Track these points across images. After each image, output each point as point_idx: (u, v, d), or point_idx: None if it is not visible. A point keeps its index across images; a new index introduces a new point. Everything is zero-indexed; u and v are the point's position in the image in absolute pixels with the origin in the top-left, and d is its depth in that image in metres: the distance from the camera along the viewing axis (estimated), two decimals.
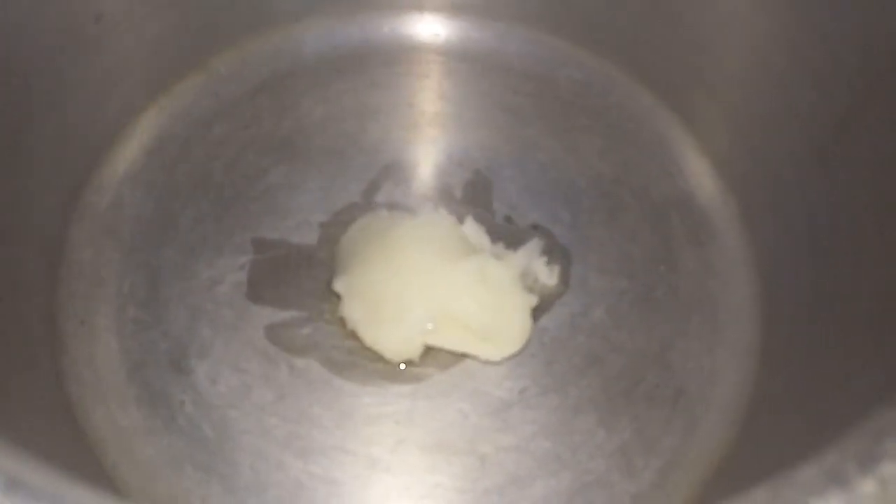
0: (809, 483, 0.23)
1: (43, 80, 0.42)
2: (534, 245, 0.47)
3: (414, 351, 0.44)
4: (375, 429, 0.43)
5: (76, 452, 0.40)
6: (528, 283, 0.46)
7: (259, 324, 0.46)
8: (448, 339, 0.44)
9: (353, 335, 0.45)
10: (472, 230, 0.46)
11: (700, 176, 0.51)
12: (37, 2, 0.40)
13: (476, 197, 0.50)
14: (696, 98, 0.51)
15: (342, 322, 0.45)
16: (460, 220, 0.47)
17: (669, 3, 0.49)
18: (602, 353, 0.45)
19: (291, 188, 0.50)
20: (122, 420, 0.42)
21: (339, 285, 0.46)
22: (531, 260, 0.46)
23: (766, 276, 0.46)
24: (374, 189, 0.50)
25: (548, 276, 0.46)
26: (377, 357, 0.45)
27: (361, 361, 0.45)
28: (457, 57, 0.55)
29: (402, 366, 0.44)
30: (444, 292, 0.43)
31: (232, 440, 0.42)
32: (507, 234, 0.48)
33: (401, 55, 0.55)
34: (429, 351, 0.44)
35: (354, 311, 0.45)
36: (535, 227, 0.49)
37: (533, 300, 0.45)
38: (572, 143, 0.52)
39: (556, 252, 0.48)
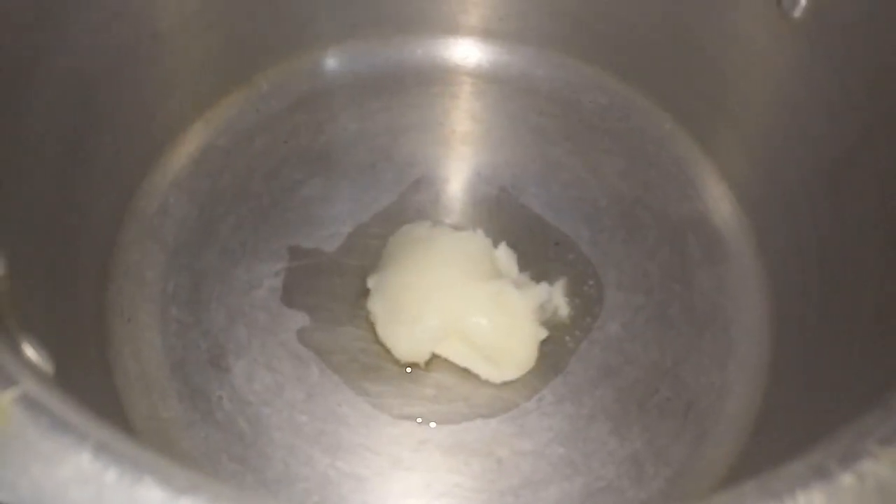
0: (795, 476, 0.25)
1: (102, 95, 0.46)
2: (558, 286, 0.49)
3: (420, 356, 0.46)
4: (399, 429, 0.45)
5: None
6: (543, 316, 0.47)
7: (292, 327, 0.48)
8: (454, 352, 0.46)
9: (380, 341, 0.47)
10: (504, 255, 0.48)
11: (717, 198, 0.53)
12: (99, 21, 0.44)
13: (501, 212, 0.53)
14: (715, 124, 0.53)
15: (370, 324, 0.48)
16: (496, 243, 0.49)
17: (692, 34, 0.51)
18: (617, 366, 0.47)
19: (326, 199, 0.53)
20: (164, 412, 0.45)
21: (370, 281, 0.48)
22: (551, 296, 0.48)
23: (777, 295, 0.48)
24: (405, 202, 0.53)
25: (566, 315, 0.48)
26: (403, 362, 0.47)
27: (387, 365, 0.47)
28: (487, 79, 0.58)
29: (408, 369, 0.47)
30: (460, 308, 0.45)
31: (265, 435, 0.45)
32: (529, 251, 0.51)
33: (433, 76, 0.58)
34: (436, 359, 0.47)
35: (376, 306, 0.47)
36: (557, 244, 0.52)
37: (543, 333, 0.47)
38: (595, 163, 0.55)
39: (579, 265, 0.50)
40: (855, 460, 0.26)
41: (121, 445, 0.24)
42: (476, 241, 0.48)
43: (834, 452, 0.26)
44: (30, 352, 0.31)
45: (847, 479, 0.25)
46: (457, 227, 0.50)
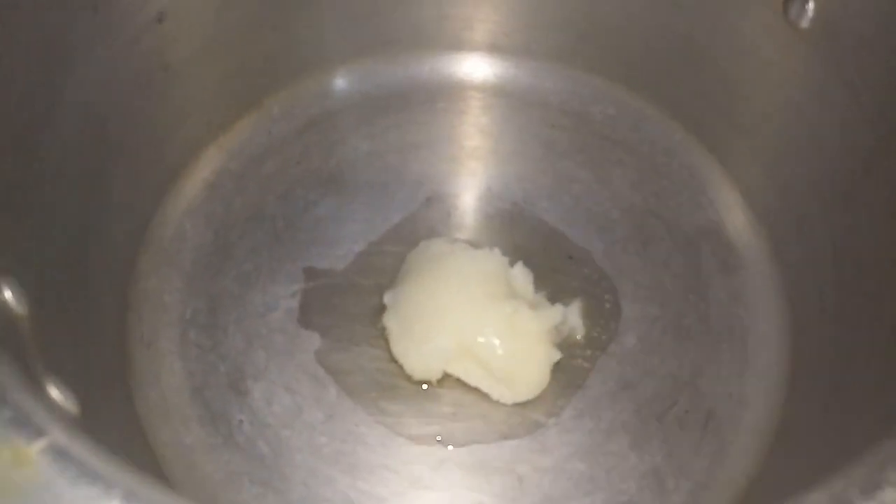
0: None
1: (116, 127, 0.46)
2: (574, 307, 0.49)
3: (432, 374, 0.47)
4: (418, 448, 0.46)
5: (146, 469, 0.43)
6: (557, 337, 0.47)
7: (309, 348, 0.49)
8: (466, 372, 0.46)
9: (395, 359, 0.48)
10: (520, 275, 0.48)
11: (730, 208, 0.53)
12: (111, 57, 0.44)
13: (514, 227, 0.53)
14: (726, 133, 0.53)
15: (386, 343, 0.48)
16: (510, 259, 0.49)
17: (700, 45, 0.51)
18: (634, 379, 0.47)
19: (339, 220, 0.53)
20: (186, 437, 0.46)
21: (387, 297, 0.49)
22: (566, 318, 0.48)
23: (794, 305, 0.48)
24: (417, 220, 0.53)
25: (582, 336, 0.48)
26: (420, 381, 0.47)
27: (404, 384, 0.48)
28: (494, 93, 0.58)
29: (424, 386, 0.47)
30: (473, 328, 0.45)
31: (285, 457, 0.45)
32: (543, 265, 0.51)
33: (441, 93, 0.58)
34: (448, 377, 0.47)
35: (391, 322, 0.47)
36: (571, 258, 0.52)
37: (556, 355, 0.46)
38: (606, 175, 0.55)
39: (593, 279, 0.50)
40: (877, 489, 0.26)
41: (149, 493, 0.25)
42: (492, 259, 0.48)
43: (855, 481, 0.26)
44: (54, 393, 0.32)
45: None
46: (473, 245, 0.50)
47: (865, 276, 0.42)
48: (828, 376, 0.43)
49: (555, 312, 0.47)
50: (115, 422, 0.43)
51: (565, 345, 0.48)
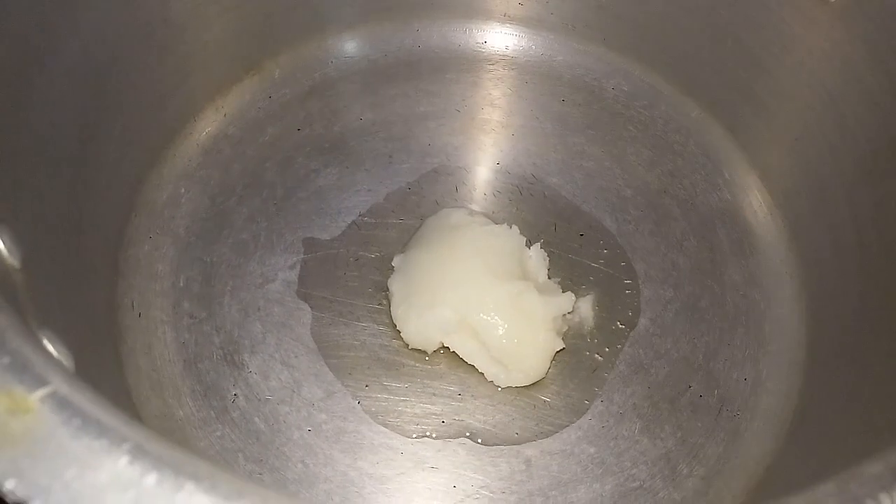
0: (877, 477, 0.24)
1: (112, 81, 0.44)
2: (587, 299, 0.47)
3: (428, 344, 0.45)
4: (422, 427, 0.44)
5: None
6: (563, 327, 0.45)
7: (308, 321, 0.47)
8: (463, 347, 0.45)
9: (400, 336, 0.46)
10: (536, 256, 0.46)
11: (746, 188, 0.51)
12: (111, 7, 0.42)
13: (523, 203, 0.51)
14: (745, 112, 0.51)
15: (390, 319, 0.46)
16: (530, 242, 0.47)
17: (721, 19, 0.50)
18: (646, 362, 0.46)
19: (341, 190, 0.51)
20: (178, 411, 0.43)
21: (396, 259, 0.47)
22: (577, 308, 0.46)
23: (812, 289, 0.47)
24: (422, 192, 0.51)
25: (591, 327, 0.46)
26: (423, 358, 0.46)
27: (408, 361, 0.46)
28: (506, 65, 0.56)
29: (426, 357, 0.45)
30: (476, 303, 0.44)
31: (283, 434, 0.43)
32: (553, 242, 0.49)
33: (451, 62, 0.56)
34: (446, 350, 0.45)
35: (396, 285, 0.46)
36: (582, 235, 0.50)
37: (559, 344, 0.45)
38: (619, 152, 0.53)
39: (605, 258, 0.49)
40: None
41: (159, 449, 0.23)
42: (509, 236, 0.46)
43: (875, 474, 0.24)
44: (50, 347, 0.29)
45: None
46: (494, 219, 0.49)
47: (892, 259, 0.40)
48: (849, 362, 0.42)
49: (564, 300, 0.45)
50: (104, 392, 0.40)
51: (575, 333, 0.46)
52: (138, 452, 0.23)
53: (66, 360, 0.30)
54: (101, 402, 0.24)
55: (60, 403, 0.23)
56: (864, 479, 0.24)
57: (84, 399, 0.23)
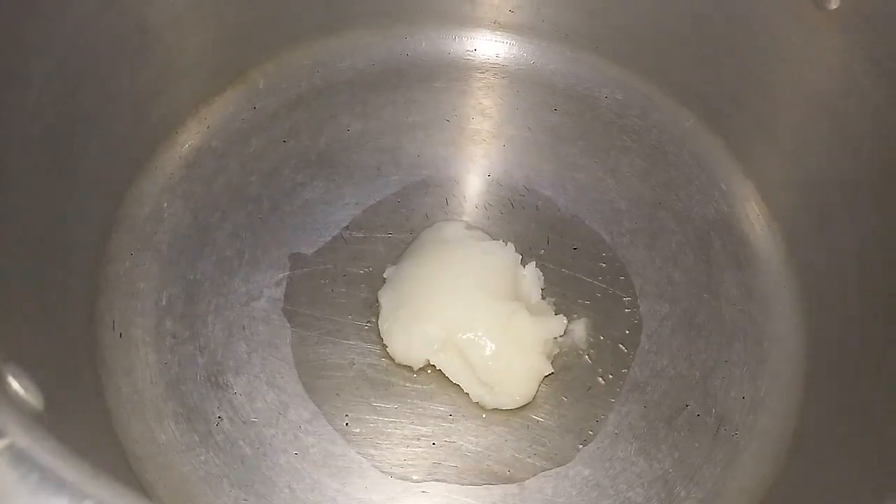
0: None
1: (90, 94, 0.42)
2: (580, 322, 0.45)
3: (414, 360, 0.44)
4: (412, 450, 0.43)
5: (117, 468, 0.39)
6: (554, 350, 0.44)
7: (295, 340, 0.45)
8: (449, 366, 0.43)
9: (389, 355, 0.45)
10: (530, 276, 0.45)
11: (743, 199, 0.50)
12: (87, 15, 0.40)
13: (514, 216, 0.50)
14: (741, 122, 0.50)
15: (378, 338, 0.45)
16: (525, 260, 0.46)
17: (716, 26, 0.49)
18: (642, 380, 0.45)
19: (328, 203, 0.50)
20: (160, 435, 0.42)
21: (388, 271, 0.46)
22: (570, 331, 0.45)
23: (811, 302, 0.46)
24: (412, 205, 0.50)
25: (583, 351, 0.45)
26: (414, 378, 0.44)
27: (398, 381, 0.45)
28: (497, 74, 0.55)
29: (415, 374, 0.44)
30: (464, 321, 0.42)
31: (269, 458, 0.42)
32: (545, 256, 0.48)
33: (440, 71, 0.55)
34: (434, 367, 0.44)
35: (385, 297, 0.45)
36: (575, 249, 0.49)
37: (547, 368, 0.43)
38: (613, 163, 0.52)
39: (599, 273, 0.48)
40: None
41: (101, 492, 0.21)
42: (503, 254, 0.45)
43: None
44: (16, 385, 0.28)
45: None
46: (491, 235, 0.47)
47: (893, 274, 0.39)
48: (850, 379, 0.41)
49: (556, 323, 0.44)
50: (82, 417, 0.39)
51: (569, 350, 0.45)
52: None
53: (35, 399, 0.28)
54: (62, 453, 0.22)
55: (18, 457, 0.22)
56: None
57: (44, 451, 0.22)
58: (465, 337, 0.42)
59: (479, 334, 0.42)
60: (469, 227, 0.47)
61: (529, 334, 0.43)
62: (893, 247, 0.40)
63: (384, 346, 0.45)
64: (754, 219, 0.49)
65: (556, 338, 0.44)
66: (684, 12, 0.50)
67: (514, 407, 0.43)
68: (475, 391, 0.43)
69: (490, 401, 0.43)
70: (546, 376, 0.44)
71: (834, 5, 0.42)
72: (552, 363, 0.44)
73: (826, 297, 0.45)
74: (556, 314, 0.45)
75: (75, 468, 0.22)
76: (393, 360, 0.44)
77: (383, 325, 0.44)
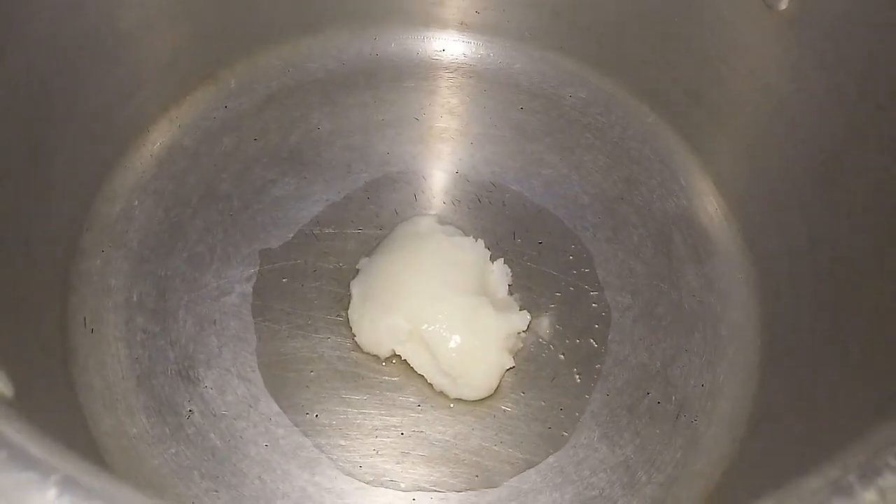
0: (814, 494, 0.24)
1: (62, 91, 0.43)
2: (543, 319, 0.47)
3: (381, 350, 0.45)
4: (381, 440, 0.43)
5: (89, 461, 0.40)
6: (517, 345, 0.45)
7: (266, 335, 0.46)
8: (414, 357, 0.44)
9: (358, 347, 0.46)
10: (497, 272, 0.46)
11: (702, 194, 0.52)
12: (59, 14, 0.41)
13: (482, 211, 0.51)
14: (699, 118, 0.52)
15: (349, 331, 0.46)
16: (494, 256, 0.47)
17: (674, 26, 0.50)
18: (605, 369, 0.46)
19: (298, 200, 0.51)
20: (131, 428, 0.43)
21: (362, 262, 0.47)
22: (535, 328, 0.46)
23: (766, 293, 0.47)
24: (381, 202, 0.51)
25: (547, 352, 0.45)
26: (383, 369, 0.45)
27: (367, 373, 0.45)
28: (464, 73, 0.56)
29: (384, 364, 0.45)
30: (430, 314, 0.43)
31: (239, 450, 0.43)
32: (511, 250, 0.49)
33: (408, 71, 0.56)
34: (399, 357, 0.45)
35: (356, 288, 0.46)
36: (540, 243, 0.50)
37: (509, 362, 0.44)
38: (577, 160, 0.53)
39: (564, 266, 0.49)
40: (875, 475, 0.25)
41: (90, 480, 0.22)
42: (473, 250, 0.46)
43: (851, 466, 0.25)
44: None
45: (870, 496, 0.24)
46: (463, 230, 0.49)
47: (844, 263, 0.41)
48: (803, 366, 0.42)
49: (519, 319, 0.45)
50: (54, 410, 0.40)
51: (534, 341, 0.46)
52: (67, 485, 0.22)
53: (5, 387, 0.29)
54: (31, 432, 0.23)
55: None
56: (803, 493, 0.24)
57: (12, 429, 0.23)
58: (430, 329, 0.43)
59: (444, 327, 0.43)
60: (442, 222, 0.48)
61: (493, 328, 0.44)
62: (841, 240, 0.41)
63: (353, 340, 0.46)
64: (713, 212, 0.51)
65: (519, 333, 0.45)
66: (645, 12, 0.51)
67: (475, 398, 0.44)
68: (438, 383, 0.44)
69: (453, 391, 0.44)
70: (509, 369, 0.45)
71: (783, 6, 0.44)
72: (517, 355, 0.45)
73: (781, 289, 0.46)
74: (521, 309, 0.46)
75: (43, 446, 0.23)
76: (361, 350, 0.45)
77: (353, 315, 0.45)
